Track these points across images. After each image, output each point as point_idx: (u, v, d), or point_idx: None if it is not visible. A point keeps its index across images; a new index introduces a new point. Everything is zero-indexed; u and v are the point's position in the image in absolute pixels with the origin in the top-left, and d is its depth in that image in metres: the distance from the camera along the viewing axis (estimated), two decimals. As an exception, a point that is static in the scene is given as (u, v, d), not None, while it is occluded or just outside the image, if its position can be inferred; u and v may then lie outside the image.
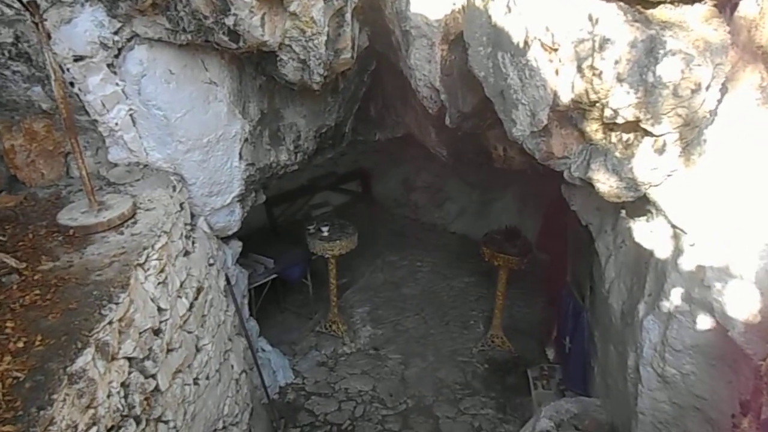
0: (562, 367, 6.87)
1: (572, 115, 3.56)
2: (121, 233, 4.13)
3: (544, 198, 9.43)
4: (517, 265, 7.15)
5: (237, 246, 6.59)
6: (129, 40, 4.46)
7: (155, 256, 4.03)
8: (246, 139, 5.41)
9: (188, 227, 5.11)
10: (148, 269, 3.95)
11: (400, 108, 6.60)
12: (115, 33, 4.36)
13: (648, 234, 4.20)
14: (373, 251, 10.44)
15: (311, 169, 11.67)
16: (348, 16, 4.33)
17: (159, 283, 4.03)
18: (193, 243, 5.07)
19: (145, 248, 3.94)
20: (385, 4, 4.80)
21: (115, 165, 5.05)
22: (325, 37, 4.27)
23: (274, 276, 8.00)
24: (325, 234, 7.52)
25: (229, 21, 4.06)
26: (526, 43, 3.45)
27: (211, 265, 5.40)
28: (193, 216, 5.47)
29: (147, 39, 4.46)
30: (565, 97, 3.40)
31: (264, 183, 6.10)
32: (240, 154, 5.44)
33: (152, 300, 3.92)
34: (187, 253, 4.82)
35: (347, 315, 8.67)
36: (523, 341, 8.01)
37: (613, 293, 5.10)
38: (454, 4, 4.26)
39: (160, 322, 4.01)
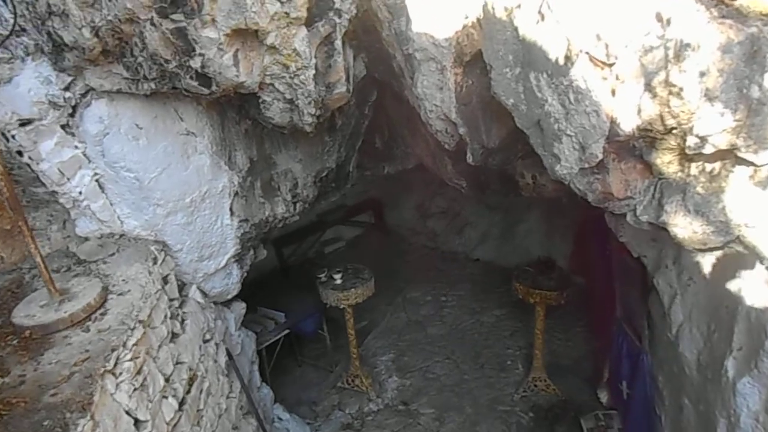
0: (621, 415, 6.00)
1: (635, 145, 2.79)
2: (87, 330, 3.41)
3: (575, 217, 8.68)
4: (556, 301, 6.33)
5: (240, 308, 5.86)
6: (84, 95, 3.78)
7: (128, 356, 3.30)
8: (236, 193, 4.71)
9: (176, 303, 4.39)
10: (120, 374, 3.21)
11: (409, 138, 5.86)
12: (66, 89, 3.69)
13: (729, 273, 3.39)
14: (392, 288, 9.67)
15: (318, 204, 11.08)
16: (338, 43, 3.61)
17: (135, 389, 3.28)
18: (183, 322, 4.35)
19: (114, 349, 3.21)
20: (381, 25, 4.08)
21: (86, 239, 4.35)
22: (313, 71, 3.55)
23: (287, 331, 7.23)
24: (339, 282, 6.76)
25: (196, 63, 3.36)
26: (568, 58, 2.69)
27: (207, 341, 4.66)
28: (183, 286, 4.77)
29: (105, 92, 3.77)
30: (629, 125, 2.62)
31: (263, 238, 5.36)
32: (231, 209, 4.75)
33: (127, 413, 3.17)
34: (174, 337, 4.10)
35: (370, 365, 7.87)
36: (569, 381, 7.15)
37: (684, 339, 4.28)
38: (467, 17, 3.51)
39: (139, 437, 3.25)
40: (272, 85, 3.64)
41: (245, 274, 5.43)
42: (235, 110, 4.39)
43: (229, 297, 5.39)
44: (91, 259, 4.17)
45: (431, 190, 11.01)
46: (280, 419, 6.47)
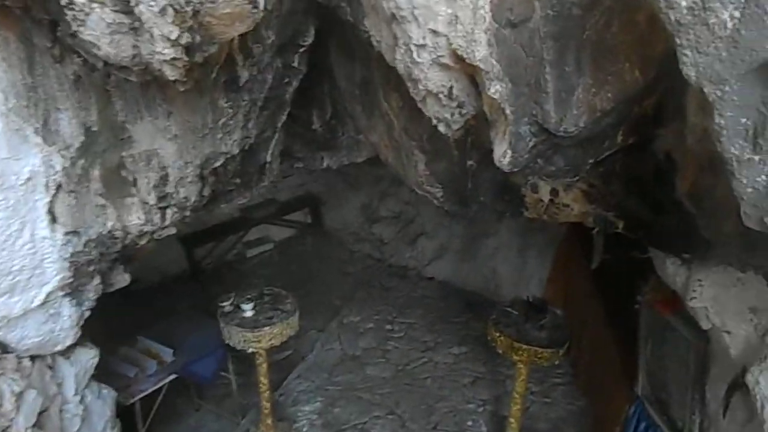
0: None
1: None
2: None
3: (556, 233, 7.09)
4: (549, 361, 4.61)
5: (88, 358, 3.83)
6: None
7: None
8: (59, 186, 2.70)
9: None
10: None
11: (362, 117, 3.93)
12: None
13: None
14: (326, 308, 7.87)
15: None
16: None
17: None
18: None
19: None
20: None
21: None
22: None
23: (173, 377, 5.24)
24: (249, 315, 4.82)
25: None
26: None
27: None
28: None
29: None
30: None
31: (121, 258, 3.36)
32: (51, 212, 2.74)
33: None
34: None
35: (289, 418, 5.97)
36: (547, 454, 5.49)
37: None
38: None
39: None
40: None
41: (86, 313, 3.42)
42: (47, 34, 2.36)
43: (59, 348, 3.37)
44: None
45: (381, 189, 9.24)
46: None
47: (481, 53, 1.82)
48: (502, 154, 2.06)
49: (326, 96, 4.08)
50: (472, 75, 2.00)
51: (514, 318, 4.82)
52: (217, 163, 3.17)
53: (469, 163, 3.34)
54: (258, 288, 5.25)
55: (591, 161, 2.13)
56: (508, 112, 1.95)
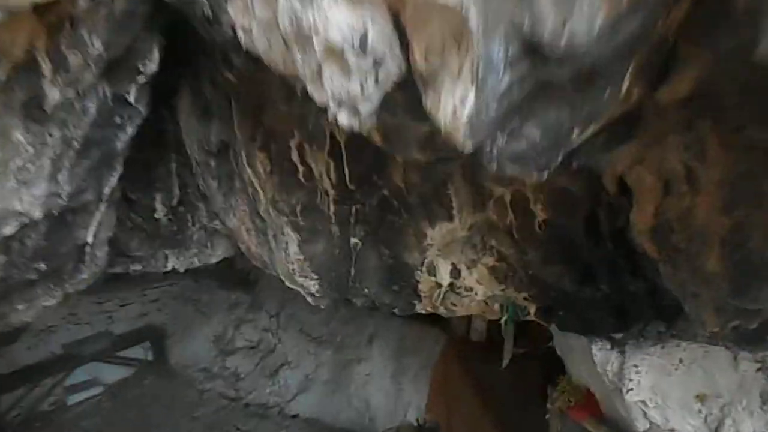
0: None
1: None
2: None
3: (434, 351, 6.60)
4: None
5: None
6: None
7: None
8: None
9: None
10: None
11: (217, 196, 3.20)
12: None
13: None
14: (168, 461, 6.48)
15: (65, 329, 7.78)
16: None
17: None
18: None
19: None
20: None
21: None
22: None
23: None
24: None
25: None
26: None
27: None
28: None
29: None
30: None
31: None
32: None
33: None
34: None
35: None
36: None
37: None
38: None
39: None
40: None
41: None
42: None
43: None
44: None
45: (237, 316, 8.32)
46: None
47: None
48: (461, 101, 1.27)
49: (173, 175, 3.34)
50: (397, 9, 1.38)
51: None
52: (7, 230, 2.20)
53: (353, 241, 2.75)
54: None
55: (576, 133, 1.57)
56: (473, 23, 1.16)
